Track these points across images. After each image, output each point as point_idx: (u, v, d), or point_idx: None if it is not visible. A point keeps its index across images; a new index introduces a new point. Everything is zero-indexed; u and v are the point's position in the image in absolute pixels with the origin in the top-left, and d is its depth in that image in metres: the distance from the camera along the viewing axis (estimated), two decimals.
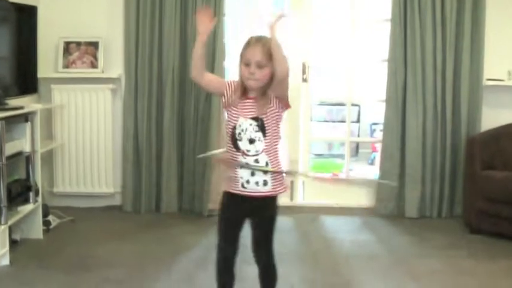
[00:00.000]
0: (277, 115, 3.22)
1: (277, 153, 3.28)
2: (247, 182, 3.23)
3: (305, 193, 6.34)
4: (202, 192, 5.81)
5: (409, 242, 5.21)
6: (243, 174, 3.24)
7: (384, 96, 5.97)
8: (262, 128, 3.19)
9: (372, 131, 9.08)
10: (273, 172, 3.21)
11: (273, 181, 3.23)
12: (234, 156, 3.23)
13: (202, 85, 3.40)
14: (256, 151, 3.21)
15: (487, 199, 5.24)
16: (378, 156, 6.67)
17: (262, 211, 3.29)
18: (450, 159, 5.89)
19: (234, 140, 3.24)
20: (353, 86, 6.40)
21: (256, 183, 3.22)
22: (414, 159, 5.87)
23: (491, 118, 5.87)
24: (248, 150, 3.22)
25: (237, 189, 3.26)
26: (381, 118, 6.14)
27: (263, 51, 3.12)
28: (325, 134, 9.07)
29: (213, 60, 5.70)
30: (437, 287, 4.16)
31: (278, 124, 3.25)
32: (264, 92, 3.18)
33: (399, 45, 5.81)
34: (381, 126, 6.19)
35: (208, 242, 5.07)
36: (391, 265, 4.61)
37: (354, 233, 5.44)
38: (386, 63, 5.92)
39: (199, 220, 5.70)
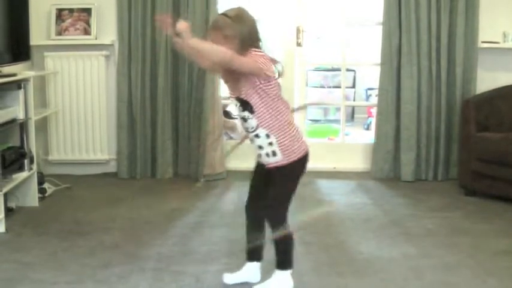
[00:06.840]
0: (256, 90, 3.12)
1: (278, 124, 3.20)
2: (259, 156, 3.29)
3: None
4: (198, 157, 5.81)
5: (404, 204, 5.23)
6: (255, 151, 3.32)
7: (378, 60, 5.94)
8: (246, 107, 3.16)
9: (368, 96, 9.06)
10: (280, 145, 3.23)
11: (282, 151, 3.23)
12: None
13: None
14: (252, 127, 3.22)
15: (481, 161, 5.24)
16: (373, 121, 6.66)
17: (272, 180, 3.30)
18: (445, 122, 5.88)
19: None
20: (348, 50, 6.37)
21: (267, 154, 3.25)
22: (409, 122, 5.86)
23: (486, 80, 5.85)
24: (246, 128, 3.26)
25: (258, 160, 3.37)
26: (376, 83, 6.10)
27: (216, 34, 3.11)
28: (321, 100, 9.06)
29: None
30: (431, 247, 4.17)
31: (266, 97, 3.15)
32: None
33: (393, 7, 5.76)
34: (377, 92, 6.15)
35: (204, 206, 5.10)
36: (386, 226, 4.63)
37: (349, 196, 5.45)
38: (380, 26, 5.88)
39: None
